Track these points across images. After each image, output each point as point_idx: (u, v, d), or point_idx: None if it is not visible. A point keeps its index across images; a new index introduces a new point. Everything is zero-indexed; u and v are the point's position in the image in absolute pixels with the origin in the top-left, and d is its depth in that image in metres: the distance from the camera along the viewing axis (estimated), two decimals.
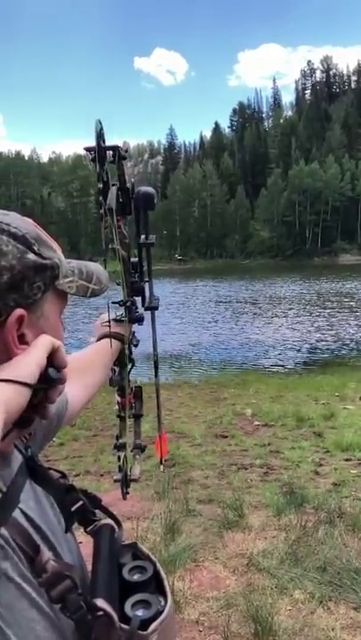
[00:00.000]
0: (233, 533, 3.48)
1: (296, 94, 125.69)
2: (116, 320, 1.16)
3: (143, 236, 1.19)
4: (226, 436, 5.99)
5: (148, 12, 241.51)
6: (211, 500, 4.06)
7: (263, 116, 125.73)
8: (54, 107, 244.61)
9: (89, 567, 0.76)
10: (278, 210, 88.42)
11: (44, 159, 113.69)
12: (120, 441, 1.15)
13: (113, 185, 1.00)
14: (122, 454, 1.15)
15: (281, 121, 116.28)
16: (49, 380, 0.61)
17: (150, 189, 1.14)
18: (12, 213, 0.69)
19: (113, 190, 0.99)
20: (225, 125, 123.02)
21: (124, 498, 1.13)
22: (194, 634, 2.53)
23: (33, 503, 0.67)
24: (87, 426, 6.43)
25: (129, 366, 1.21)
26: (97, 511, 0.75)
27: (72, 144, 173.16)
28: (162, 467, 1.38)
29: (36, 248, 0.66)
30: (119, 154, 0.99)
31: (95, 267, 0.80)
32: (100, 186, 0.96)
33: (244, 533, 3.48)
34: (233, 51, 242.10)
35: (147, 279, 1.23)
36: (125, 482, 1.13)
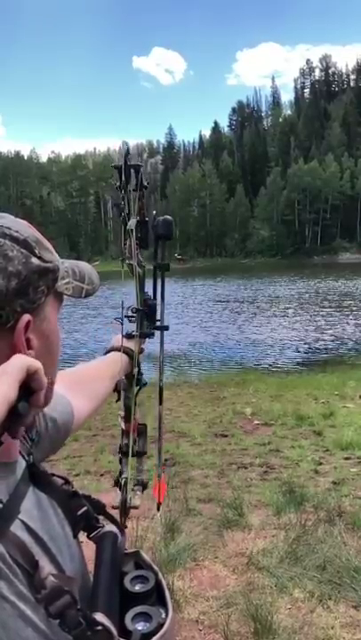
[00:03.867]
0: (233, 532, 3.49)
1: (295, 93, 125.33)
2: (127, 336, 1.18)
3: (159, 259, 1.24)
4: (226, 436, 6.00)
5: (146, 12, 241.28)
6: (211, 499, 4.07)
7: (262, 114, 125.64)
8: (53, 106, 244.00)
9: (90, 567, 0.76)
10: (278, 208, 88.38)
11: (44, 159, 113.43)
12: (123, 476, 1.12)
13: (135, 218, 1.10)
14: (123, 480, 1.14)
15: (280, 120, 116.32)
16: (17, 414, 0.54)
17: (169, 217, 1.22)
18: (7, 215, 0.68)
19: (133, 221, 1.08)
20: (224, 124, 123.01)
21: (123, 528, 1.12)
22: (194, 633, 2.54)
23: (36, 511, 0.66)
24: (87, 425, 6.43)
25: (136, 389, 1.19)
26: (100, 516, 0.74)
27: (71, 143, 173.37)
28: (158, 513, 1.37)
29: (37, 251, 0.66)
30: (142, 182, 1.08)
31: (86, 266, 0.79)
32: (123, 214, 1.08)
33: (243, 532, 3.49)
34: (232, 50, 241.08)
35: (159, 299, 1.25)
36: (125, 510, 1.11)
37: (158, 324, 1.25)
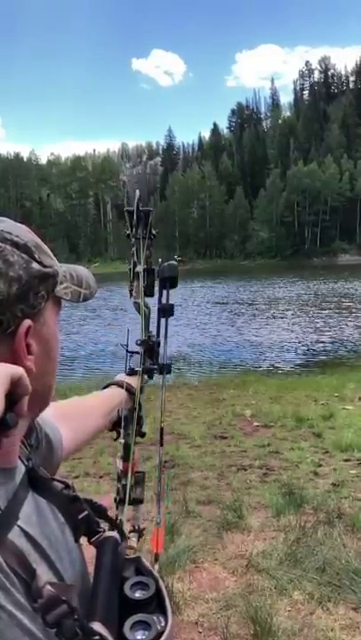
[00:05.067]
0: (232, 534, 3.49)
1: (294, 95, 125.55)
2: (130, 374, 1.21)
3: (164, 301, 1.32)
4: (225, 437, 5.99)
5: (145, 14, 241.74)
6: (210, 501, 4.07)
7: (262, 116, 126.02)
8: (52, 108, 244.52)
9: (90, 569, 0.75)
10: (277, 210, 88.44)
11: (43, 160, 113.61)
12: (120, 518, 1.12)
13: (143, 266, 1.24)
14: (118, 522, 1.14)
15: (279, 121, 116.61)
16: (4, 425, 0.53)
17: (174, 262, 1.33)
18: (7, 220, 0.68)
19: (140, 268, 1.23)
20: (223, 126, 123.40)
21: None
22: (193, 635, 2.53)
23: (35, 517, 0.65)
24: None
25: (134, 439, 1.17)
26: (100, 521, 0.73)
27: (71, 145, 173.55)
28: (156, 565, 1.36)
29: (37, 256, 0.65)
30: (150, 232, 1.23)
31: (83, 270, 0.80)
32: (130, 267, 1.24)
33: (243, 534, 3.49)
34: (231, 51, 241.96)
35: (162, 339, 1.31)
36: None
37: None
